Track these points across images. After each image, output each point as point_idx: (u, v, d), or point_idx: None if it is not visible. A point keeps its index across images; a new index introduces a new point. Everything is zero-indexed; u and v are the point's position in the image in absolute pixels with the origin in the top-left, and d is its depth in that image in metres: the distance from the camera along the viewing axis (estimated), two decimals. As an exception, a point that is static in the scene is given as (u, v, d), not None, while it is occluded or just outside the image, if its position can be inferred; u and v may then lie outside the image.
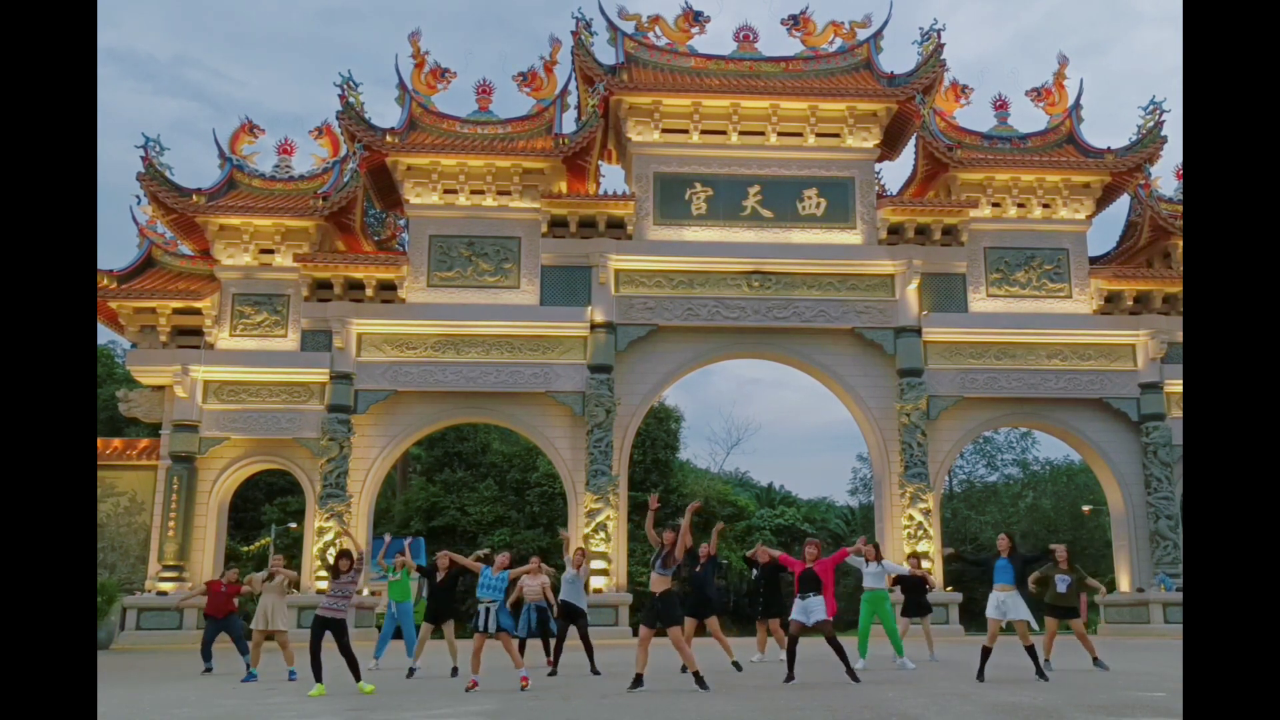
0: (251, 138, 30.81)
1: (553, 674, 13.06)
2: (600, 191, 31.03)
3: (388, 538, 14.76)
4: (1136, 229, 31.89)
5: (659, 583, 10.70)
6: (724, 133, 30.05)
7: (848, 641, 12.69)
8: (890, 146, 31.53)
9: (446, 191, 29.53)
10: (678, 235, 29.51)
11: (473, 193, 29.51)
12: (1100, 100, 43.06)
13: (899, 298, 29.45)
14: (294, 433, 28.13)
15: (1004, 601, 11.66)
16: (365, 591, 26.58)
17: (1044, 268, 30.45)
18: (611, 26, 31.02)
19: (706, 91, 29.63)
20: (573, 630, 13.45)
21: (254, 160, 30.53)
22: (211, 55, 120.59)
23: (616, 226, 29.28)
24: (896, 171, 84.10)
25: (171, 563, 27.05)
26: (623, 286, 29.16)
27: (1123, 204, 33.02)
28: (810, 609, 11.22)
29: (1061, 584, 13.47)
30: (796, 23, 31.92)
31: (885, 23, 32.12)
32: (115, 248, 38.76)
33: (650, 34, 31.54)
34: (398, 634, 15.90)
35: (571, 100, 31.16)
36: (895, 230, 29.88)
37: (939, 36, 30.09)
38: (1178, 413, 29.56)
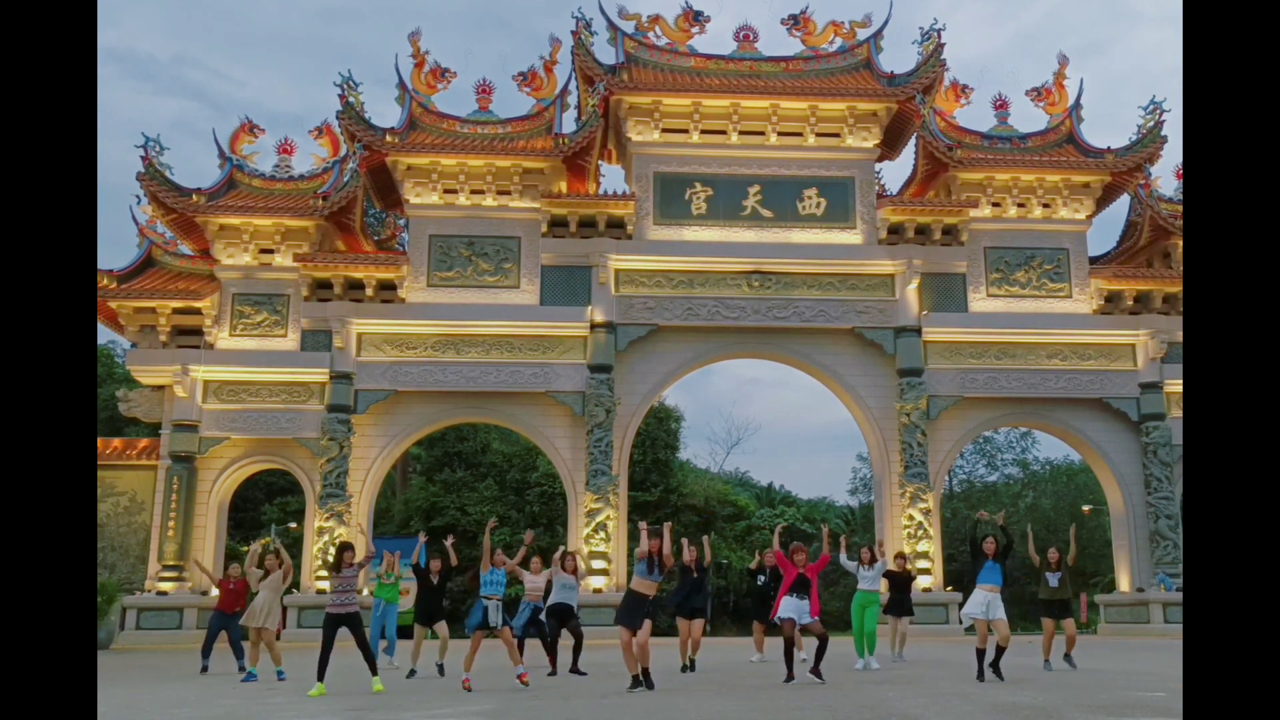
0: (251, 138, 30.80)
1: (552, 674, 13.07)
2: (600, 191, 31.03)
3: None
4: (1136, 229, 31.89)
5: (644, 586, 10.75)
6: (724, 132, 30.05)
7: (844, 641, 12.71)
8: (890, 146, 31.53)
9: (446, 191, 29.53)
10: (678, 235, 29.51)
11: (473, 192, 29.51)
12: (1100, 100, 43.09)
13: (899, 297, 29.45)
14: (294, 433, 28.14)
15: (990, 602, 11.77)
16: (364, 591, 26.57)
17: (1044, 267, 30.45)
18: (611, 26, 31.02)
19: (706, 91, 29.63)
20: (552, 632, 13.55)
21: (254, 160, 30.53)
22: (211, 55, 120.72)
23: (616, 226, 29.28)
24: (896, 171, 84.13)
25: (171, 563, 27.05)
26: (623, 286, 29.17)
27: (1123, 204, 33.06)
28: (804, 610, 11.37)
29: (1053, 579, 13.64)
30: (796, 22, 31.91)
31: (885, 22, 32.13)
32: (115, 248, 38.78)
33: (650, 34, 31.54)
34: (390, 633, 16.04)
35: (571, 100, 31.16)
36: (895, 230, 29.88)
37: (939, 36, 30.09)
38: (1178, 413, 29.56)
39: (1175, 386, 29.67)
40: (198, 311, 28.39)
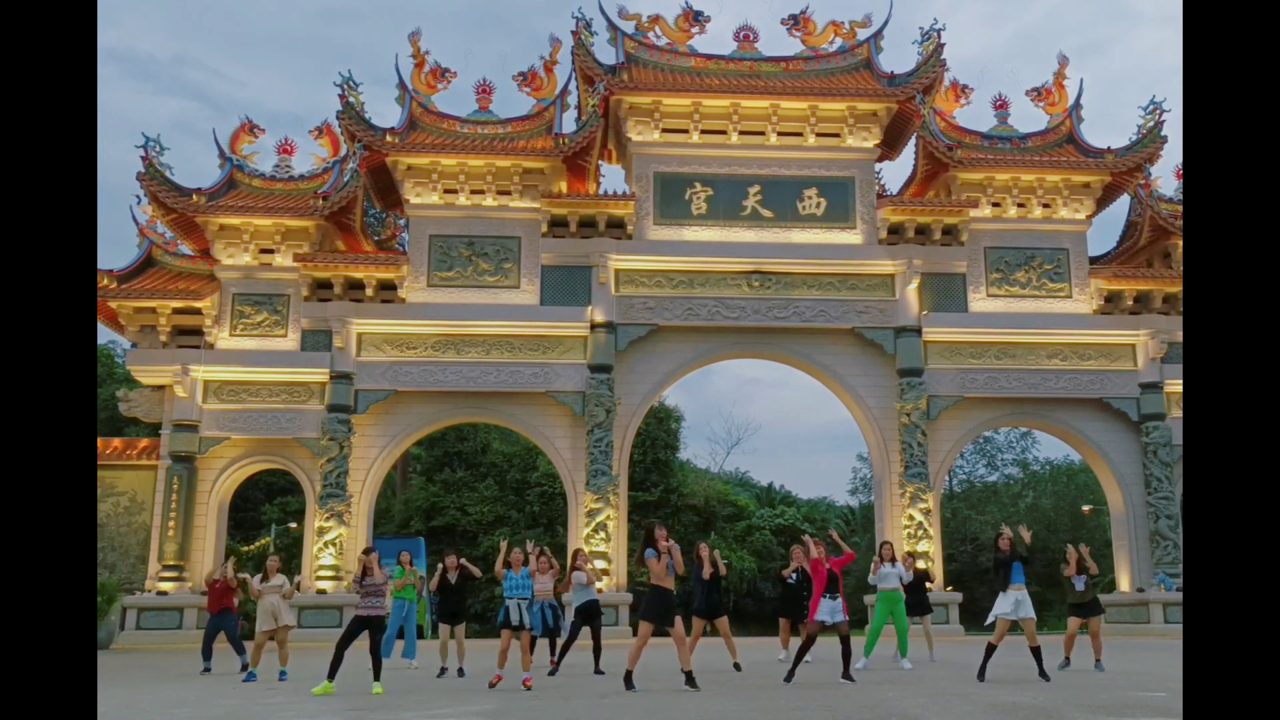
0: (251, 138, 30.80)
1: (553, 674, 13.07)
2: (600, 191, 31.02)
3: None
4: (1136, 229, 31.89)
5: (667, 581, 10.79)
6: (724, 133, 30.05)
7: (857, 641, 12.74)
8: (890, 146, 31.53)
9: (446, 191, 29.53)
10: (678, 235, 29.51)
11: (473, 192, 29.51)
12: (1100, 100, 43.11)
13: (899, 297, 29.45)
14: (294, 432, 28.14)
15: (1019, 601, 11.75)
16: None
17: (1044, 268, 30.45)
18: (611, 26, 31.02)
19: (706, 91, 29.64)
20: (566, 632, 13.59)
21: (254, 160, 30.52)
22: (211, 55, 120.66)
23: (616, 226, 29.28)
24: (897, 171, 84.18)
25: (171, 562, 27.06)
26: (623, 286, 29.17)
27: (1123, 204, 33.06)
28: (836, 610, 11.47)
29: (1079, 583, 13.80)
30: (796, 23, 31.91)
31: (885, 22, 32.13)
32: (115, 248, 38.78)
33: (650, 34, 31.53)
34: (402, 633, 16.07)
35: (571, 100, 31.15)
36: (895, 230, 29.88)
37: (939, 36, 30.09)
38: (1178, 413, 29.56)
39: (1175, 386, 29.67)
40: (198, 311, 28.39)
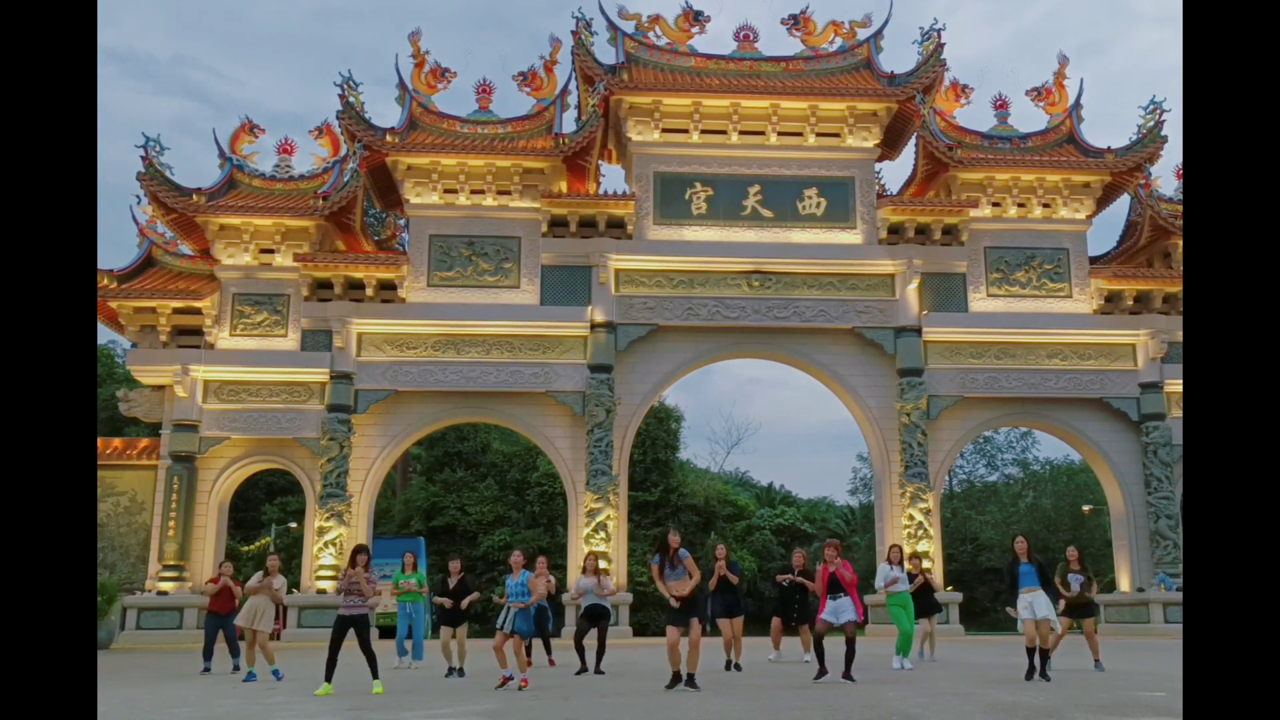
0: (251, 137, 30.80)
1: (599, 672, 13.06)
2: (600, 191, 31.03)
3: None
4: (1136, 229, 31.89)
5: (682, 586, 10.75)
6: (724, 132, 30.05)
7: (864, 643, 12.75)
8: (890, 146, 31.54)
9: (446, 191, 29.53)
10: (678, 235, 29.51)
11: (473, 192, 29.51)
12: (1100, 100, 43.12)
13: (899, 297, 29.46)
14: (294, 432, 28.14)
15: (1033, 603, 11.75)
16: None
17: (1044, 267, 30.46)
18: (611, 26, 31.02)
19: (706, 91, 29.63)
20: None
21: (254, 160, 30.53)
22: (211, 55, 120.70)
23: (616, 226, 29.28)
24: (897, 171, 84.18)
25: (171, 562, 27.06)
26: (623, 286, 29.17)
27: (1123, 204, 33.07)
28: (840, 609, 11.48)
29: (1075, 582, 13.81)
30: (796, 22, 31.92)
31: (885, 22, 32.13)
32: (115, 248, 38.81)
33: (650, 34, 31.54)
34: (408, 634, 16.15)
35: (572, 100, 31.16)
36: (895, 230, 29.89)
37: (939, 36, 30.09)
38: (1178, 413, 29.57)
39: (1175, 386, 29.67)
40: (198, 311, 28.39)
